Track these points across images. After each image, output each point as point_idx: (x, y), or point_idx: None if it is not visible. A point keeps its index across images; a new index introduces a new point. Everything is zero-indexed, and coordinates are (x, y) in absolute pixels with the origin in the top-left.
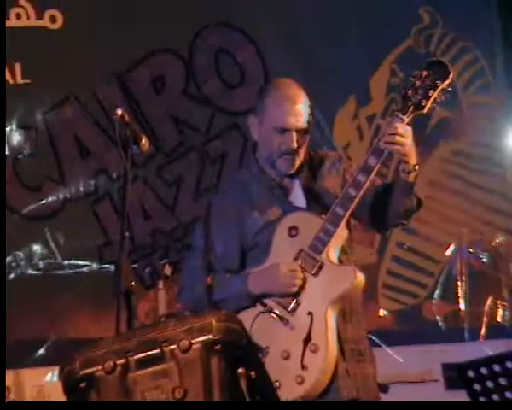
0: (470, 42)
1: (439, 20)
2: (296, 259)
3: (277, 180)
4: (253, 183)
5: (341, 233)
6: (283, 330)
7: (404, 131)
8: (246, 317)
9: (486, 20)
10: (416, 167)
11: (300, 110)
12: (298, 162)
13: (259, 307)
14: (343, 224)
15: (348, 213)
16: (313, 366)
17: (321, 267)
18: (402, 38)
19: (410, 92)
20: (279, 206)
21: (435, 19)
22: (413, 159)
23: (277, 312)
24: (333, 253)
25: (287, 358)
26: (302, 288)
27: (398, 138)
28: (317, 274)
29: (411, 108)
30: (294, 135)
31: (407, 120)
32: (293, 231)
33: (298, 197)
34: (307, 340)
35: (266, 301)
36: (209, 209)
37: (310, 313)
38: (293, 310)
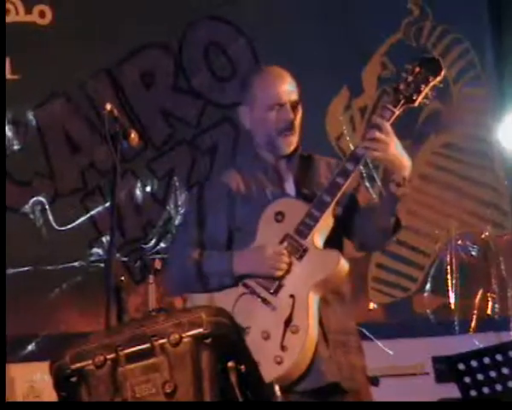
0: (460, 34)
1: (428, 13)
2: (281, 243)
3: (272, 165)
4: (247, 166)
5: (327, 220)
6: (265, 311)
7: (381, 138)
8: (228, 297)
9: (476, 12)
10: (406, 182)
11: (289, 84)
12: (295, 140)
13: (242, 288)
14: (329, 210)
15: (335, 200)
16: (293, 347)
17: (305, 252)
18: (392, 31)
19: (401, 86)
20: (270, 190)
21: (425, 11)
22: (404, 170)
23: (260, 293)
24: (318, 238)
25: (267, 338)
26: (287, 271)
27: (375, 144)
28: (301, 258)
29: (402, 101)
30: (289, 107)
31: (397, 112)
32: (279, 216)
33: (290, 186)
34: (288, 322)
35: (249, 282)
36: (200, 190)
37: (292, 296)
38: (276, 292)
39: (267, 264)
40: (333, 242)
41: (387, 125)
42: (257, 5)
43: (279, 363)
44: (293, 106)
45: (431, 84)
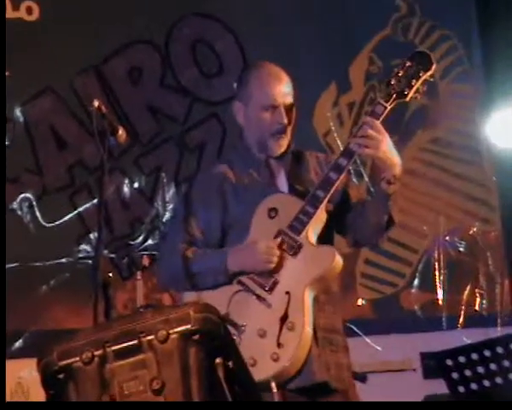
0: (448, 30)
1: (416, 9)
2: (275, 239)
3: (264, 161)
4: (238, 162)
5: (321, 216)
6: (260, 308)
7: (373, 135)
8: (223, 294)
9: (464, 8)
10: (396, 180)
11: (286, 86)
12: (286, 142)
13: (237, 286)
14: (323, 206)
15: (328, 196)
16: (289, 344)
17: (300, 248)
18: (380, 27)
19: (393, 81)
20: (263, 187)
21: (413, 8)
22: (395, 168)
23: (255, 290)
24: (312, 234)
25: (263, 335)
26: (279, 266)
27: (367, 141)
28: (295, 255)
29: (394, 95)
30: (283, 111)
31: (389, 107)
32: (272, 213)
33: (282, 182)
34: (284, 318)
35: (243, 279)
36: (191, 184)
37: (287, 293)
38: (271, 289)
39: (259, 258)
40: (324, 238)
41: (378, 124)
42: (244, 1)
43: (275, 360)
44: (288, 109)
45: (422, 78)
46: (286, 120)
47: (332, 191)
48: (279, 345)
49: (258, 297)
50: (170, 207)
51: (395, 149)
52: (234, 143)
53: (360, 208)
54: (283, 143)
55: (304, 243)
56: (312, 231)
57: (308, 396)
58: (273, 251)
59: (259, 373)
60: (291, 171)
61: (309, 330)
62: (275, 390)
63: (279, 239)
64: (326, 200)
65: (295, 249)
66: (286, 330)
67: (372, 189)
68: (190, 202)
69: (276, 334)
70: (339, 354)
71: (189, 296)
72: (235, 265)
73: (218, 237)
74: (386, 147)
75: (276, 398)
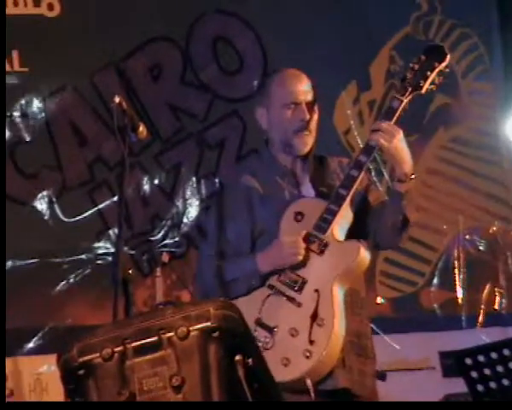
0: (469, 29)
1: (437, 8)
2: (301, 237)
3: (289, 168)
4: (263, 170)
5: (345, 213)
6: (291, 308)
7: (388, 129)
8: (256, 300)
9: (484, 7)
10: (411, 177)
11: (306, 85)
12: (311, 140)
13: (267, 290)
14: (346, 204)
15: (351, 193)
16: (320, 340)
17: (326, 246)
18: (400, 26)
19: (408, 75)
20: (289, 194)
21: (434, 6)
22: (405, 166)
23: (285, 292)
24: (337, 231)
25: (295, 335)
26: (307, 266)
27: (380, 134)
28: (322, 253)
29: (410, 89)
30: (305, 107)
31: (405, 100)
32: (298, 216)
33: (307, 188)
34: (314, 316)
35: (273, 282)
36: (221, 196)
37: (316, 290)
38: (300, 289)
39: (286, 252)
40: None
41: (392, 124)
42: (266, 0)
43: (308, 357)
44: (309, 106)
45: (437, 69)
46: (308, 116)
47: (354, 188)
48: (311, 342)
49: (289, 298)
50: (189, 203)
51: (408, 148)
52: (259, 153)
53: (379, 211)
54: (308, 141)
55: (330, 240)
56: (338, 229)
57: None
58: (298, 244)
59: (293, 372)
60: (315, 176)
61: (340, 326)
62: (310, 387)
63: (305, 239)
64: (349, 197)
65: (321, 248)
66: (317, 327)
67: None
68: (219, 216)
69: (307, 332)
70: (365, 359)
71: None
72: (265, 265)
73: (248, 247)
74: (399, 143)
75: (313, 395)
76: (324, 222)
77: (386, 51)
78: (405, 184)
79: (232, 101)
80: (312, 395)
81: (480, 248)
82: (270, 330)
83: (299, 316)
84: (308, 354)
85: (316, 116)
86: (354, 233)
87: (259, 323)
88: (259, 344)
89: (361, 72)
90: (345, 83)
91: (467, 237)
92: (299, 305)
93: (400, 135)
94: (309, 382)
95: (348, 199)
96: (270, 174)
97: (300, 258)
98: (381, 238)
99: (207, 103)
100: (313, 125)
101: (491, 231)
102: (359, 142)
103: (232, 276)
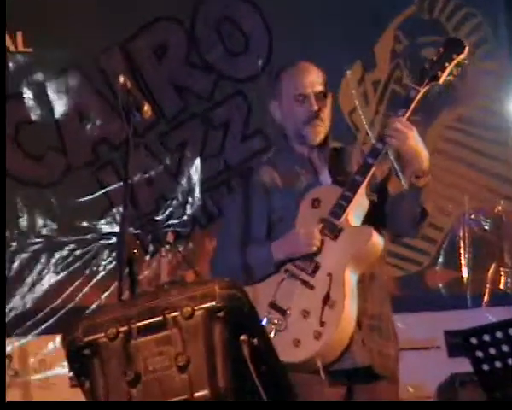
0: (474, 8)
1: None
2: (316, 225)
3: (306, 156)
4: (282, 161)
5: (360, 200)
6: (304, 291)
7: (402, 129)
8: (272, 283)
9: None
10: (425, 174)
11: (315, 76)
12: (323, 130)
13: (282, 274)
14: (361, 190)
15: (366, 180)
16: (330, 322)
17: (340, 231)
18: (405, 5)
19: (427, 66)
20: (307, 181)
21: None
22: (422, 162)
23: (299, 275)
24: (352, 217)
25: (306, 316)
26: (320, 250)
27: (393, 133)
28: (336, 238)
29: (427, 79)
30: (313, 98)
31: (422, 90)
32: (315, 203)
33: (325, 177)
34: (326, 299)
35: (288, 267)
36: (248, 182)
37: (329, 274)
38: (314, 272)
39: (301, 242)
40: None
41: (406, 121)
42: None
43: (317, 337)
44: (319, 97)
45: (455, 60)
46: (316, 107)
47: (370, 175)
48: (322, 323)
49: (303, 281)
50: (194, 183)
51: (423, 145)
52: (278, 147)
53: (398, 201)
54: (320, 130)
55: (344, 226)
56: (353, 215)
57: (349, 380)
58: (314, 234)
59: (303, 352)
60: (333, 165)
61: (351, 309)
62: (320, 367)
63: (320, 225)
64: (364, 184)
65: (335, 233)
66: (327, 309)
67: None
68: (241, 203)
69: (318, 314)
70: (386, 342)
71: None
72: (280, 254)
73: (264, 232)
74: (414, 141)
75: (323, 376)
76: (339, 208)
77: (391, 31)
78: (423, 178)
79: (237, 81)
80: (323, 375)
81: (486, 227)
82: (283, 312)
83: (312, 298)
84: (317, 335)
85: (328, 107)
86: (371, 221)
87: (273, 305)
88: (272, 326)
89: (366, 52)
90: (350, 63)
91: (472, 216)
92: (312, 288)
93: (414, 132)
94: (319, 363)
95: (363, 186)
96: (289, 164)
97: (315, 249)
98: (400, 228)
99: (212, 84)
100: (325, 115)
101: (496, 210)
102: (364, 121)
103: (251, 262)
